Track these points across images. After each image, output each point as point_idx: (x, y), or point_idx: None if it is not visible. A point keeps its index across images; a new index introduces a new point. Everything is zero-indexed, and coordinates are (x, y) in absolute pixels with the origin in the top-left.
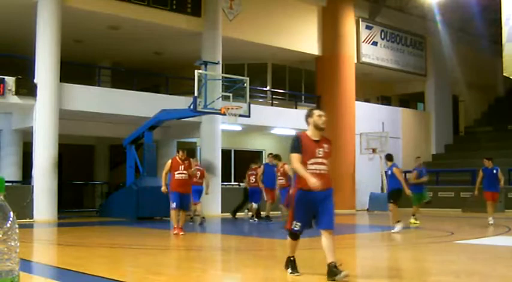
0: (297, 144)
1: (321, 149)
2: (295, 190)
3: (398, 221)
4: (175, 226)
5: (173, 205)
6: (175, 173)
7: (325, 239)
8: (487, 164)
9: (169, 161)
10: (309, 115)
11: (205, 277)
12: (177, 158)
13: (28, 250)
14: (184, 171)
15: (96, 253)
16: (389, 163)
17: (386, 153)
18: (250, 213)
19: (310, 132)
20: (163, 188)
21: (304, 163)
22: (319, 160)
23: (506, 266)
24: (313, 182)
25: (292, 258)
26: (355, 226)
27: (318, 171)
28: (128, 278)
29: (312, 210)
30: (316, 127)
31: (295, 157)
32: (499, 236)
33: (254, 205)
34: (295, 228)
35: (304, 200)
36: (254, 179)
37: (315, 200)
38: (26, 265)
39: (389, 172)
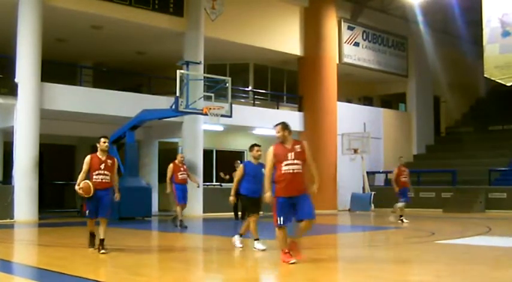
0: None
1: None
2: None
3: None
4: (286, 250)
5: (280, 220)
6: (283, 164)
7: None
8: None
9: (271, 149)
10: None
11: (186, 278)
12: (281, 143)
13: (8, 250)
14: (297, 161)
15: (78, 253)
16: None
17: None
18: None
19: None
20: (268, 195)
21: None
22: None
23: (487, 265)
24: None
25: None
26: (337, 226)
27: None
28: (109, 278)
29: None
30: None
31: None
32: (480, 236)
33: (400, 204)
34: None
35: None
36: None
37: None
38: (6, 266)
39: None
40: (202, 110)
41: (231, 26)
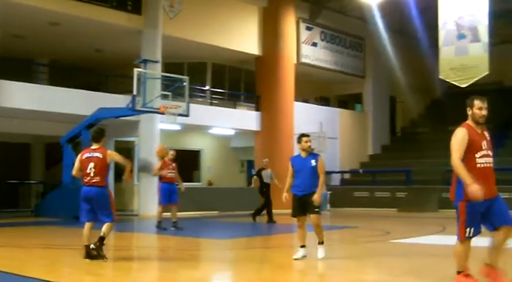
0: None
1: None
2: None
3: None
4: (468, 272)
5: (469, 232)
6: (477, 155)
7: None
8: None
9: (463, 131)
10: None
11: (141, 278)
12: (472, 124)
13: None
14: (490, 153)
15: (32, 254)
16: None
17: None
18: None
19: None
20: (473, 187)
21: None
22: None
23: (441, 264)
24: None
25: None
26: (293, 226)
27: None
28: (65, 279)
29: None
30: None
31: None
32: (434, 235)
33: None
34: None
35: None
36: None
37: None
38: None
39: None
40: (159, 109)
41: (189, 25)
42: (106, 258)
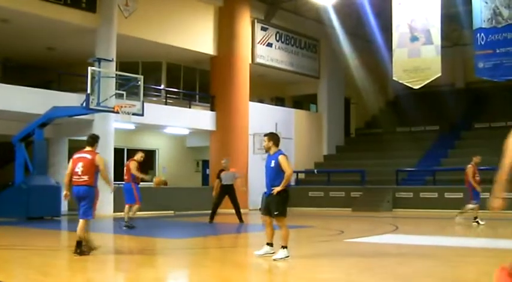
0: None
1: None
2: None
3: None
4: None
5: None
6: None
7: None
8: None
9: None
10: None
11: (96, 278)
12: None
13: None
14: None
15: None
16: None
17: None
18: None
19: None
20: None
21: None
22: None
23: (393, 262)
24: None
25: None
26: (248, 225)
27: None
28: (17, 279)
29: None
30: None
31: None
32: (387, 235)
33: (471, 206)
34: None
35: None
36: None
37: None
38: None
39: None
40: (113, 108)
41: (144, 24)
42: (95, 248)
